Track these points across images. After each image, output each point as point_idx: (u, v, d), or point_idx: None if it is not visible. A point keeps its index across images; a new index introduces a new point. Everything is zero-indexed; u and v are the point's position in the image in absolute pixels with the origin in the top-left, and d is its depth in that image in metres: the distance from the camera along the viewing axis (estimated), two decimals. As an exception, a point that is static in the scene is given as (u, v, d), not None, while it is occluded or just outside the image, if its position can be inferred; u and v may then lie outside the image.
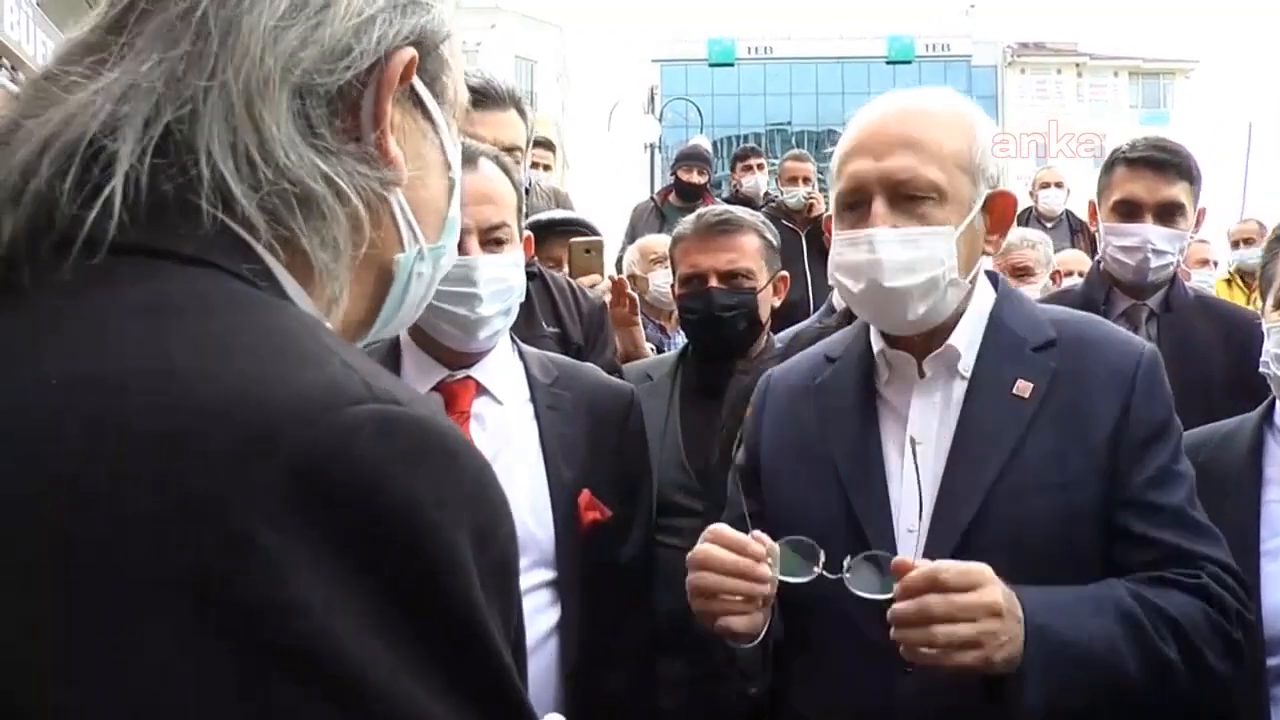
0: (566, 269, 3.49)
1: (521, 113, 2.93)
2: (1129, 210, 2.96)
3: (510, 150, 2.62)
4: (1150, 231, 2.91)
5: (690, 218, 2.81)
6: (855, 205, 1.75)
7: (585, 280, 3.34)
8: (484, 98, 2.78)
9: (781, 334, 3.46)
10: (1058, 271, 4.51)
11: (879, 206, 1.70)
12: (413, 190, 0.86)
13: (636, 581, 2.18)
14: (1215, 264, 7.82)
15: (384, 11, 0.81)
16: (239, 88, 0.73)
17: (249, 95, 0.73)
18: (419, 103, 0.87)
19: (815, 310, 4.48)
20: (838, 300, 3.45)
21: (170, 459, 0.59)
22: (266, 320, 0.70)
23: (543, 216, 3.91)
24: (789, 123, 53.96)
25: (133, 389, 0.62)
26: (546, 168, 6.25)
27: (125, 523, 0.58)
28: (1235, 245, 7.79)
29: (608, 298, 3.14)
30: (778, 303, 2.86)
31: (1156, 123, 50.36)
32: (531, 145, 3.19)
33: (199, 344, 0.65)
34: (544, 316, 2.82)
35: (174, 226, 0.71)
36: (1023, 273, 4.26)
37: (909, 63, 53.10)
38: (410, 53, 0.82)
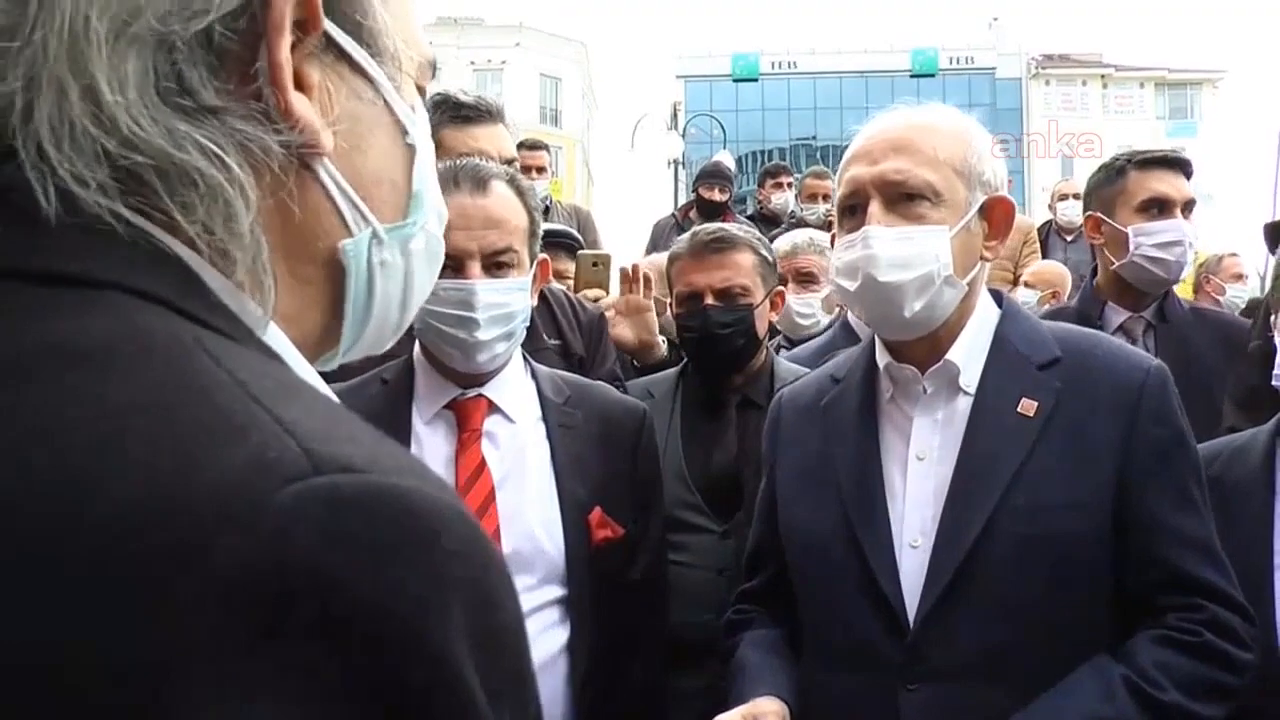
0: (572, 282, 3.51)
1: (505, 125, 2.94)
2: (1161, 207, 2.98)
3: (509, 162, 2.63)
4: (1185, 227, 2.96)
5: (685, 236, 2.83)
6: (853, 209, 1.79)
7: (591, 294, 3.36)
8: (478, 113, 2.81)
9: (794, 351, 3.48)
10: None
11: (874, 207, 1.74)
12: (347, 160, 0.71)
13: (648, 598, 2.20)
14: (1247, 278, 7.76)
15: None
16: (59, 50, 0.59)
17: (75, 57, 0.59)
18: (344, 56, 0.71)
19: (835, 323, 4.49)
20: (853, 319, 3.47)
21: (60, 598, 0.45)
22: (164, 373, 0.54)
23: None
24: (814, 137, 53.85)
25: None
26: (540, 169, 6.29)
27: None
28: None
29: (611, 313, 3.15)
30: (775, 318, 2.89)
31: (1184, 134, 50.00)
32: (518, 150, 3.20)
33: (69, 433, 0.50)
34: (545, 329, 2.84)
35: (16, 230, 0.58)
36: (806, 278, 3.89)
37: (933, 75, 52.98)
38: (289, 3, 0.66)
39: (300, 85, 0.67)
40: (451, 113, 2.79)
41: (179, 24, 0.62)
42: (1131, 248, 2.98)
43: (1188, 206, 3.00)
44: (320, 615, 0.47)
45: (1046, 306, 4.80)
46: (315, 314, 0.74)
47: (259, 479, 0.49)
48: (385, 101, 0.75)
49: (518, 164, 2.87)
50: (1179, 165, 3.04)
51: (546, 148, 6.96)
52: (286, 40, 0.66)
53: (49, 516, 0.47)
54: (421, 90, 0.81)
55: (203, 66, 0.63)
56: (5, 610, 0.45)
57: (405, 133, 0.77)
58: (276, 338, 0.69)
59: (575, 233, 4.21)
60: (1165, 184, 2.99)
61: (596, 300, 3.30)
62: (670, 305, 2.85)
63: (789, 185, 7.71)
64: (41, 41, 0.59)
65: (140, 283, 0.59)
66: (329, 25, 0.69)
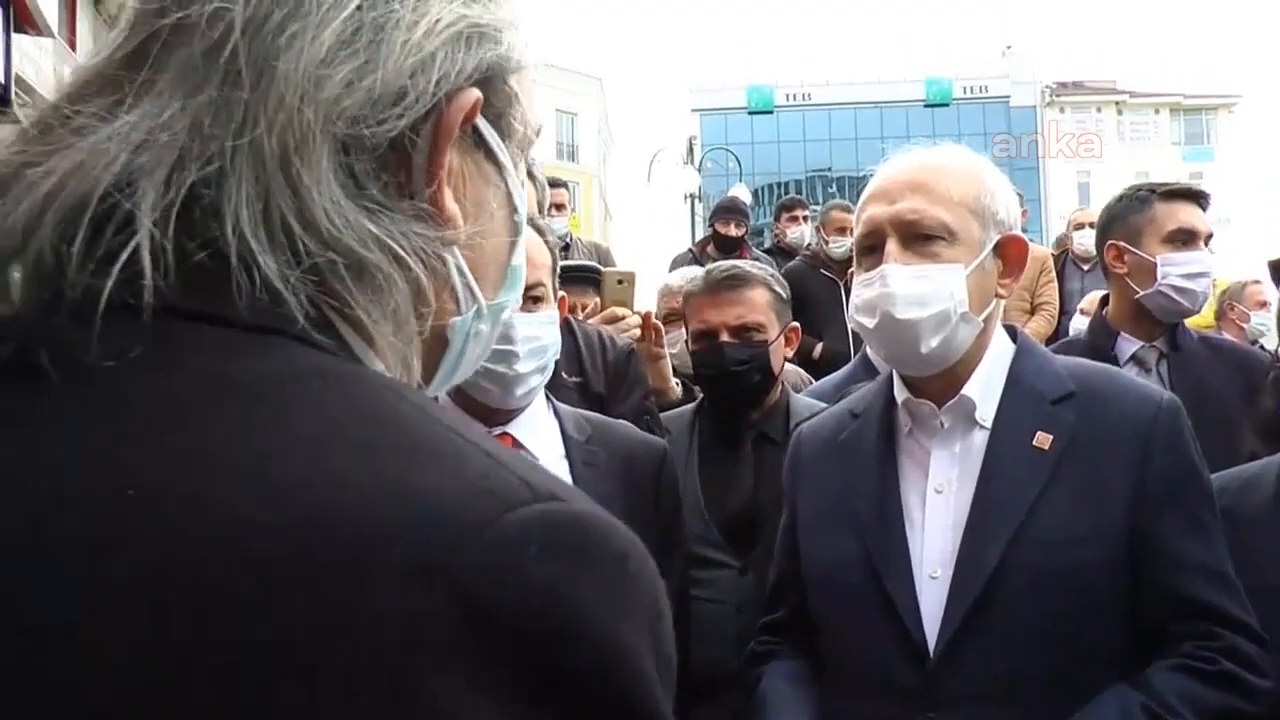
0: (598, 301, 3.54)
1: (529, 174, 2.98)
2: (1186, 239, 3.00)
3: None
4: (1209, 259, 2.99)
5: (700, 273, 2.86)
6: (871, 249, 1.83)
7: (619, 311, 3.39)
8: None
9: (815, 385, 3.50)
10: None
11: (892, 246, 1.78)
12: (472, 245, 0.73)
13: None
14: (1270, 305, 7.71)
15: (446, 47, 0.67)
16: (273, 144, 0.61)
17: (285, 152, 0.61)
18: (481, 143, 0.74)
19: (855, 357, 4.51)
20: (872, 353, 3.49)
21: (302, 596, 0.50)
22: (374, 402, 0.59)
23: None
24: (829, 168, 54.05)
25: (231, 504, 0.52)
26: (559, 207, 6.33)
27: (266, 687, 0.49)
28: None
29: (637, 331, 3.18)
30: (790, 354, 2.91)
31: (1200, 159, 49.95)
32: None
33: (300, 441, 0.55)
34: (567, 366, 2.87)
35: (215, 293, 0.60)
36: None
37: (947, 105, 53.15)
38: (474, 95, 0.69)
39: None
40: None
41: (373, 127, 0.64)
42: (1159, 277, 2.97)
43: (1209, 239, 3.04)
44: (547, 629, 0.52)
45: None
46: (420, 373, 0.76)
47: (487, 502, 0.53)
48: (507, 185, 0.77)
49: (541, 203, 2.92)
50: (1200, 198, 3.09)
51: (565, 185, 7.03)
52: (451, 142, 0.69)
53: (288, 513, 0.52)
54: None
55: (372, 162, 0.65)
56: (242, 608, 0.50)
57: (516, 211, 0.79)
58: None
59: (595, 264, 4.26)
60: (1193, 216, 3.02)
61: (622, 318, 3.33)
62: (685, 342, 2.87)
63: (805, 219, 7.74)
64: (254, 133, 0.61)
65: (305, 335, 0.62)
66: (479, 120, 0.72)
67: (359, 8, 0.65)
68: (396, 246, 0.65)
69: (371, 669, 0.49)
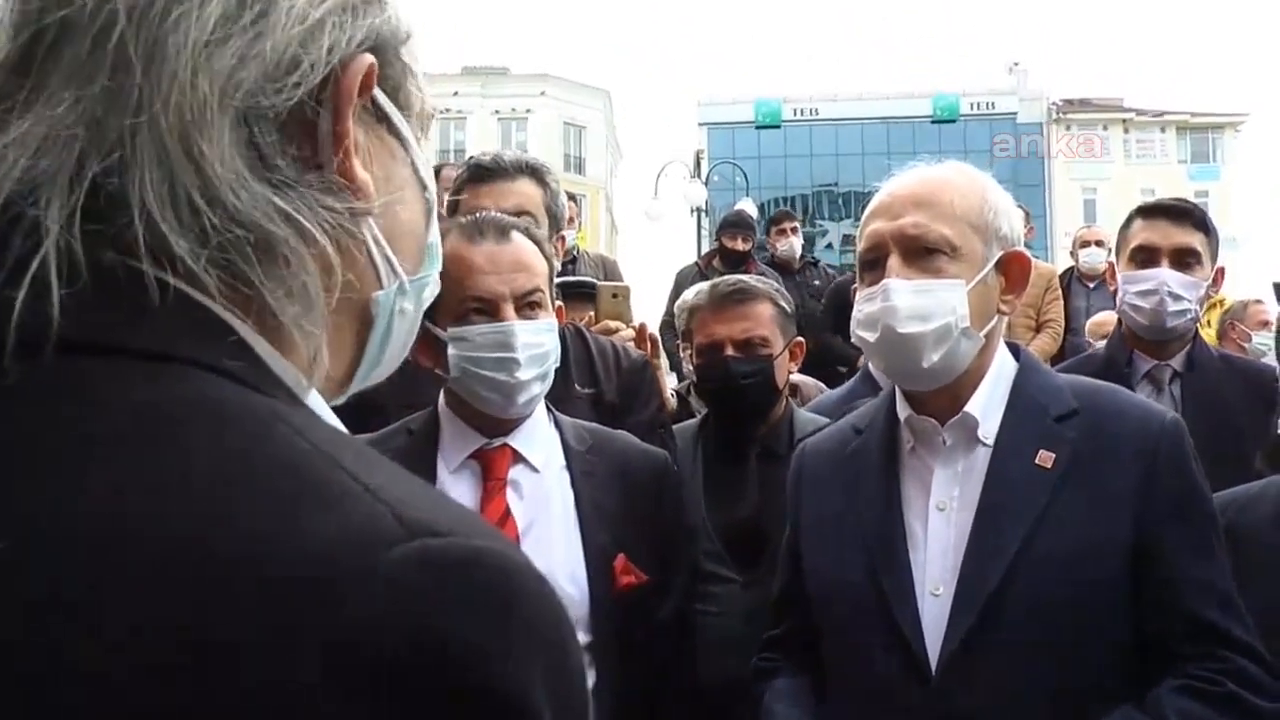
0: (593, 316, 3.55)
1: (541, 182, 2.99)
2: (1145, 257, 2.99)
3: (519, 214, 2.68)
4: (1166, 275, 2.93)
5: (705, 287, 2.86)
6: (874, 264, 1.84)
7: (612, 325, 3.39)
8: (491, 172, 2.86)
9: (816, 401, 3.50)
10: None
11: (894, 261, 1.79)
12: (386, 218, 0.74)
13: (675, 645, 2.21)
14: (1273, 324, 7.69)
15: (332, 14, 0.68)
16: (170, 122, 0.60)
17: (183, 129, 0.60)
18: (383, 117, 0.75)
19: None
20: (873, 367, 3.49)
21: (183, 651, 0.49)
22: (262, 443, 0.58)
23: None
24: (835, 183, 54.03)
25: (109, 555, 0.51)
26: (569, 220, 6.33)
27: None
28: None
29: (632, 345, 3.18)
30: (795, 368, 2.91)
31: (1206, 177, 49.92)
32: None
33: (181, 492, 0.53)
34: (580, 378, 2.86)
35: (123, 307, 0.59)
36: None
37: (954, 121, 53.16)
38: (368, 60, 0.70)
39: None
40: (470, 173, 2.88)
41: (271, 97, 0.64)
42: (1120, 296, 3.04)
43: (1181, 256, 2.97)
44: (420, 669, 0.51)
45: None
46: (342, 358, 0.76)
47: (361, 542, 0.52)
48: (413, 160, 0.78)
49: (533, 220, 2.93)
50: (1178, 215, 3.03)
51: (573, 197, 7.03)
52: (353, 110, 0.69)
53: (169, 564, 0.51)
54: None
55: (275, 135, 0.65)
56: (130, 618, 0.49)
57: (425, 188, 0.80)
58: (315, 400, 0.72)
59: (591, 279, 4.26)
60: (1155, 233, 3.00)
61: (616, 332, 3.33)
62: (690, 356, 2.87)
63: (793, 231, 7.75)
64: (150, 114, 0.61)
65: (208, 358, 0.61)
66: (377, 91, 0.73)
67: None
68: (303, 220, 0.65)
69: (256, 683, 0.49)
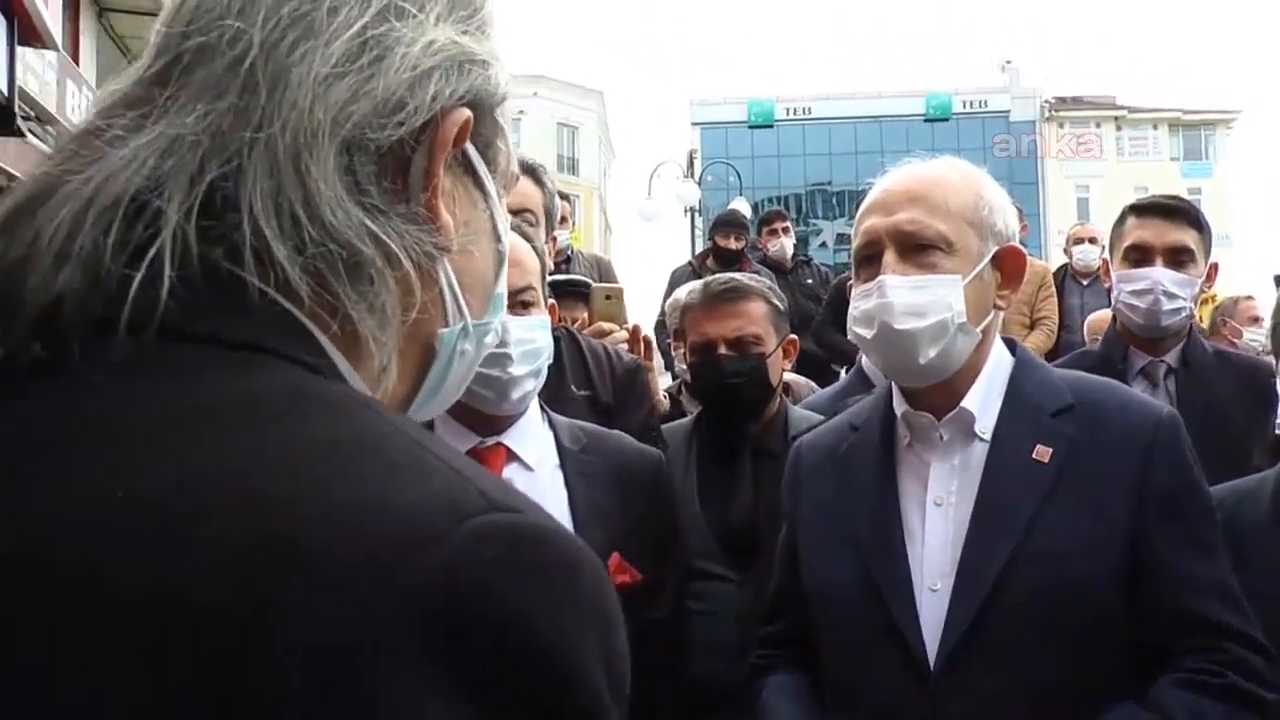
0: (586, 316, 3.54)
1: (538, 181, 3.00)
2: (1139, 256, 3.00)
3: (519, 213, 2.69)
4: (1160, 274, 2.94)
5: (697, 286, 2.86)
6: (869, 260, 1.83)
7: (606, 326, 3.39)
8: None
9: (810, 398, 3.49)
10: None
11: (889, 257, 1.78)
12: (460, 261, 0.80)
13: (669, 644, 2.20)
14: (1264, 321, 7.72)
15: (441, 68, 0.75)
16: (286, 141, 0.68)
17: (296, 149, 0.68)
18: (470, 169, 0.81)
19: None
20: (868, 366, 3.49)
21: (277, 601, 0.53)
22: (351, 423, 0.64)
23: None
24: (829, 182, 54.13)
25: (212, 515, 0.56)
26: (561, 220, 6.33)
27: (241, 677, 0.52)
28: None
29: (625, 346, 3.18)
30: (788, 366, 2.90)
31: (1199, 174, 50.07)
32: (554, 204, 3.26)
33: (280, 459, 0.59)
34: (575, 379, 2.86)
35: (221, 300, 0.66)
36: None
37: (947, 120, 53.27)
38: (465, 113, 0.76)
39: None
40: None
41: (375, 132, 0.71)
42: (1115, 294, 3.05)
43: (1175, 254, 2.98)
44: (496, 634, 0.55)
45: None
46: (403, 384, 0.81)
47: (446, 512, 0.57)
48: (492, 212, 0.84)
49: (532, 217, 2.93)
50: (1171, 213, 3.03)
51: (567, 197, 7.02)
52: (445, 156, 0.76)
53: (266, 524, 0.55)
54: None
55: (372, 166, 0.72)
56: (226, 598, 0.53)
57: (499, 241, 0.86)
58: None
59: (585, 279, 4.26)
60: (1148, 231, 3.00)
61: (610, 333, 3.33)
62: (683, 355, 2.87)
63: (785, 231, 7.75)
64: (270, 132, 0.68)
65: (292, 353, 0.67)
66: (468, 144, 0.79)
67: (364, 27, 0.72)
68: (390, 243, 0.71)
69: (335, 672, 0.52)
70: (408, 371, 0.80)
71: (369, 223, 0.70)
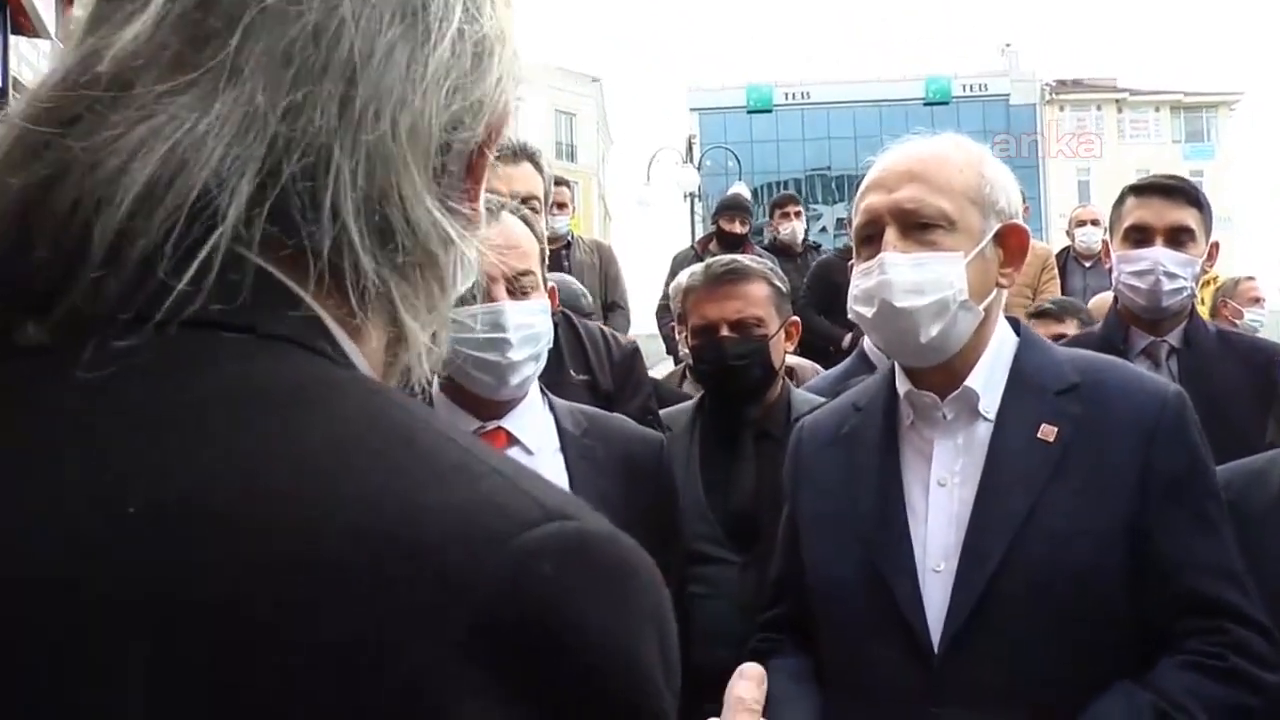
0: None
1: (537, 166, 3.01)
2: (1139, 237, 2.99)
3: (527, 200, 2.69)
4: (1160, 254, 2.93)
5: (699, 268, 2.84)
6: (870, 238, 1.81)
7: None
8: (498, 153, 2.86)
9: (813, 381, 3.48)
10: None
11: (890, 235, 1.76)
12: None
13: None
14: (1265, 301, 7.72)
15: (508, 73, 0.74)
16: (389, 140, 0.63)
17: (403, 151, 0.64)
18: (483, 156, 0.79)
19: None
20: (869, 347, 3.47)
21: (324, 606, 0.51)
22: (385, 418, 0.60)
23: None
24: (828, 167, 54.09)
25: (245, 523, 0.53)
26: (561, 205, 6.32)
27: (283, 674, 0.50)
28: None
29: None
30: (791, 348, 2.88)
31: (1201, 156, 50.00)
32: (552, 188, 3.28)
33: (318, 457, 0.56)
34: (574, 364, 2.86)
35: (262, 300, 0.61)
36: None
37: (946, 103, 53.16)
38: (508, 115, 0.75)
39: None
40: None
41: (468, 131, 0.70)
42: (1116, 275, 3.04)
43: (1175, 234, 2.96)
44: (560, 645, 0.53)
45: None
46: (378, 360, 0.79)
47: (501, 521, 0.54)
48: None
49: (537, 204, 2.93)
50: (1171, 193, 3.02)
51: (567, 184, 7.00)
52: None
53: (308, 520, 0.53)
54: None
55: (456, 167, 0.71)
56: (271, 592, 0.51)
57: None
58: None
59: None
60: (1148, 211, 2.99)
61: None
62: (685, 338, 2.85)
63: (796, 215, 7.78)
64: (369, 136, 0.63)
65: (314, 343, 0.63)
66: None
67: (460, 20, 0.68)
68: (460, 245, 0.71)
69: (390, 677, 0.50)
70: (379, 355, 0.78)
71: (449, 229, 0.69)
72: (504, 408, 2.09)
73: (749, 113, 55.81)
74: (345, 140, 0.62)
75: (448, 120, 0.67)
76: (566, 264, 6.13)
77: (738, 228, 7.18)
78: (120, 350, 0.56)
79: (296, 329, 0.62)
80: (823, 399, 2.58)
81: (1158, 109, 54.15)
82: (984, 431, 1.77)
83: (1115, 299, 3.19)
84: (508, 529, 0.54)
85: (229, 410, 0.57)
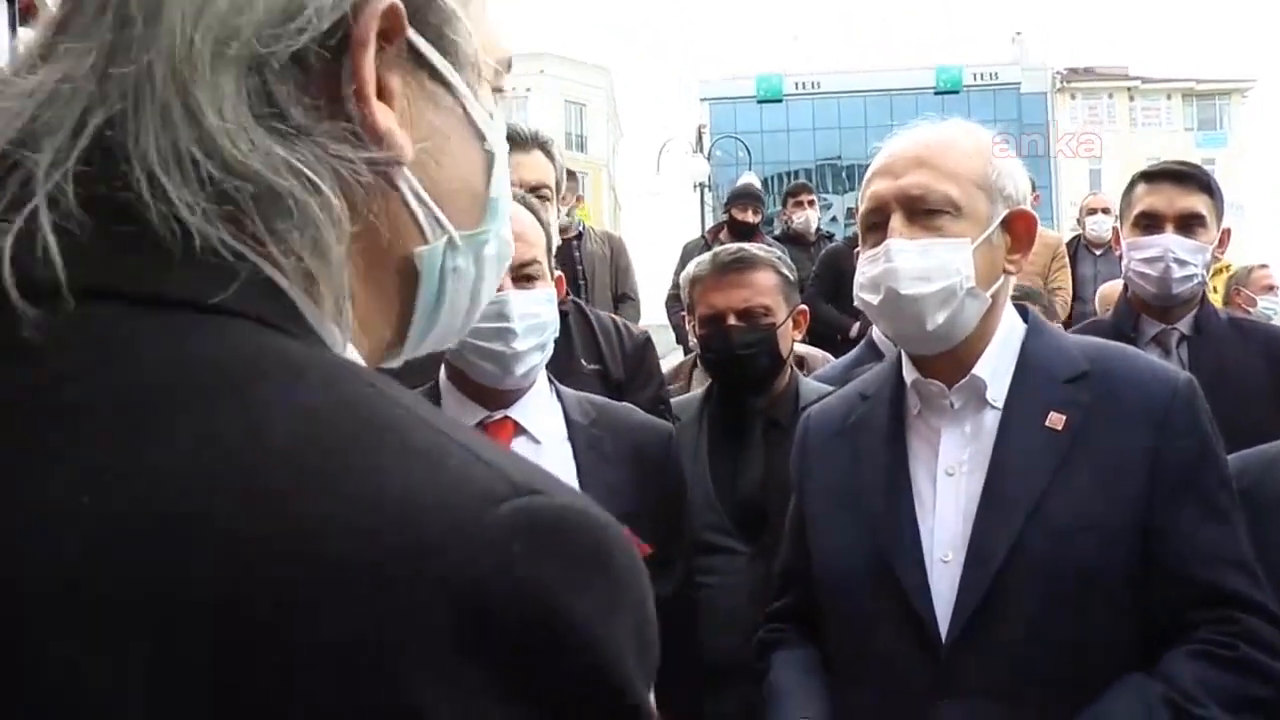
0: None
1: (548, 154, 3.00)
2: (1149, 223, 2.97)
3: (536, 189, 2.68)
4: (1171, 241, 2.91)
5: (706, 257, 2.83)
6: (877, 225, 1.80)
7: None
8: (508, 142, 2.85)
9: (821, 370, 3.47)
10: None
11: (896, 221, 1.75)
12: (425, 168, 0.71)
13: (679, 618, 2.19)
14: (1279, 289, 7.67)
15: None
16: (165, 72, 0.59)
17: (180, 80, 0.59)
18: (424, 63, 0.71)
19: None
20: (878, 336, 3.46)
21: (291, 599, 0.50)
22: (349, 396, 0.58)
23: None
24: (839, 157, 53.85)
25: (212, 515, 0.51)
26: (571, 196, 6.31)
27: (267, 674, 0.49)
28: None
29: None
30: (798, 337, 2.88)
31: (1213, 144, 49.70)
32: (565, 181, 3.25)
33: (280, 443, 0.54)
34: (584, 353, 2.85)
35: (143, 255, 0.59)
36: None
37: (957, 92, 52.89)
38: (385, 3, 0.65)
39: (381, 94, 0.67)
40: None
41: (274, 45, 0.62)
42: (1125, 262, 3.02)
43: (1186, 220, 2.94)
44: (531, 625, 0.52)
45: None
46: (389, 318, 0.74)
47: (468, 500, 0.53)
48: (464, 108, 0.74)
49: (548, 193, 2.92)
50: (1182, 179, 3.00)
51: (575, 175, 7.01)
52: (371, 53, 0.65)
53: (272, 509, 0.51)
54: (499, 90, 0.80)
55: (291, 84, 0.63)
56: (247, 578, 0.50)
57: (483, 139, 0.76)
58: (352, 355, 0.70)
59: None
60: (1159, 198, 2.97)
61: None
62: (693, 328, 2.85)
63: (810, 204, 7.77)
64: (148, 65, 0.60)
65: (261, 313, 0.60)
66: (411, 34, 0.69)
67: None
68: (308, 170, 0.62)
69: (360, 662, 0.49)
70: (389, 307, 0.73)
71: (281, 150, 0.61)
72: (511, 397, 2.08)
73: (759, 102, 55.59)
74: (135, 82, 0.60)
75: (232, 36, 0.61)
76: (578, 255, 6.13)
77: (750, 217, 7.16)
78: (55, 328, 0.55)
79: (207, 292, 0.58)
80: (831, 388, 2.58)
81: (1169, 97, 53.81)
82: (992, 420, 1.75)
83: (1125, 286, 3.18)
84: (474, 507, 0.53)
85: (200, 396, 0.55)
